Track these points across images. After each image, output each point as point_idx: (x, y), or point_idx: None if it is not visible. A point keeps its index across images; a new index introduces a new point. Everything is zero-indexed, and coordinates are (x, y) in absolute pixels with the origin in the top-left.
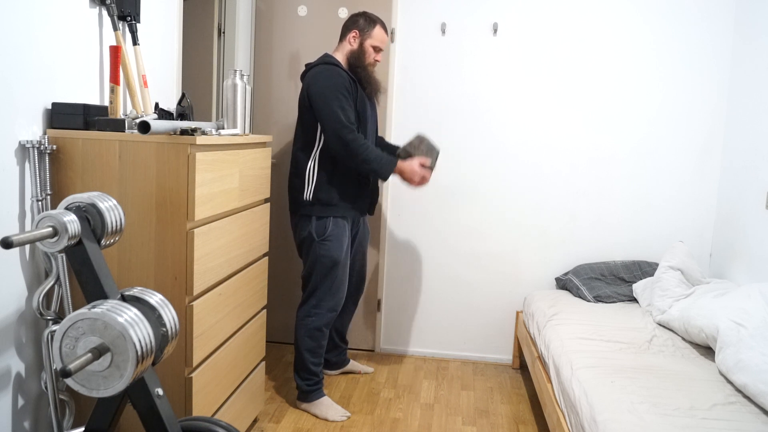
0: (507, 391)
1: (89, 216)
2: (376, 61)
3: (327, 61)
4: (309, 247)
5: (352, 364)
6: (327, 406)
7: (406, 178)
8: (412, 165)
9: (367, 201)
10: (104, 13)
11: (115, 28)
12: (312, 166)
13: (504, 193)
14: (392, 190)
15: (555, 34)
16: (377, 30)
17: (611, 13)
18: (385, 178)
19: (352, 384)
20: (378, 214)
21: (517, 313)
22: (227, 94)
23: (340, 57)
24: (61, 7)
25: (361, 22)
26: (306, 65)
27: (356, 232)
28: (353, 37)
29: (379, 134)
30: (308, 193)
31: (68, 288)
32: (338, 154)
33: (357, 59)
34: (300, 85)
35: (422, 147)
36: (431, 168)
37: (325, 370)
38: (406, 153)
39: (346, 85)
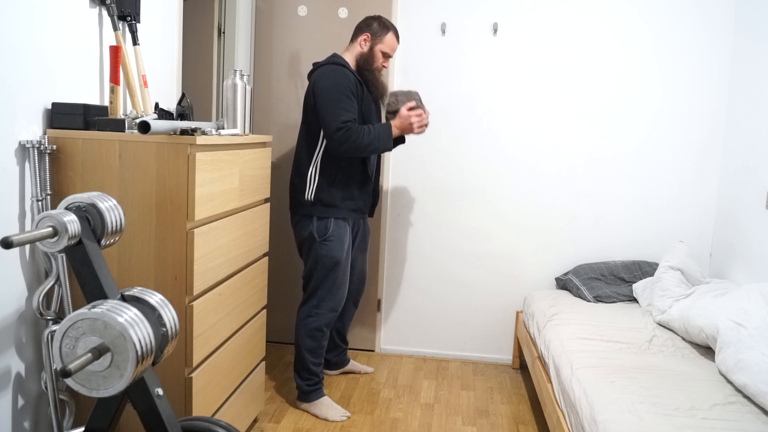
0: (507, 391)
1: (89, 216)
2: (384, 66)
3: (335, 61)
4: (310, 247)
5: (352, 364)
6: (327, 406)
7: (406, 130)
8: (402, 114)
9: (369, 202)
10: (104, 13)
11: (115, 28)
12: (314, 167)
13: (504, 193)
14: (392, 190)
15: (555, 35)
16: (389, 36)
17: (611, 14)
18: (391, 148)
19: (352, 384)
20: (378, 214)
21: (517, 313)
22: (227, 94)
23: (349, 58)
24: (61, 7)
25: (375, 27)
26: (314, 64)
27: (357, 232)
28: (364, 39)
29: None
30: (309, 193)
31: (68, 288)
32: (340, 153)
33: (365, 62)
34: (305, 84)
35: (400, 98)
36: (420, 108)
37: (325, 370)
38: (391, 113)
39: (351, 87)
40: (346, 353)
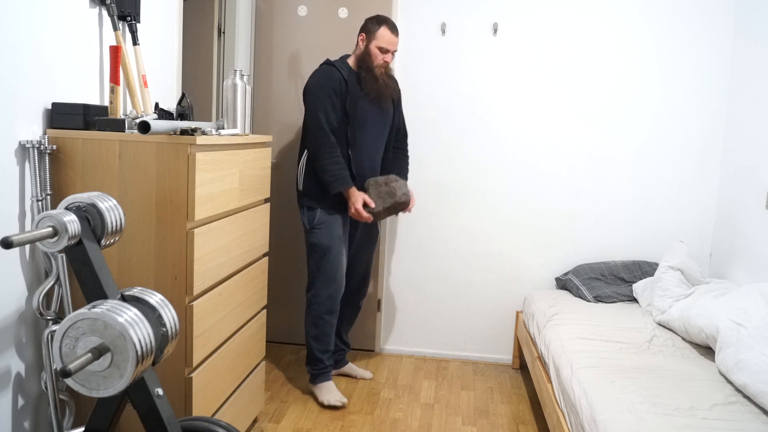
0: (507, 391)
1: (89, 216)
2: (386, 62)
3: (327, 61)
4: (305, 235)
5: (350, 367)
6: (327, 390)
7: (349, 206)
8: (356, 197)
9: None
10: (104, 13)
11: (115, 28)
12: (304, 160)
13: (504, 193)
14: None
15: (555, 35)
16: (382, 31)
17: (611, 14)
18: (331, 193)
19: (352, 384)
20: None
21: (517, 313)
22: (227, 94)
23: (352, 60)
24: (61, 7)
25: (368, 25)
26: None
27: (358, 228)
28: (361, 40)
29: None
30: (300, 184)
31: (68, 288)
32: (309, 151)
33: (363, 62)
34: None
35: (383, 188)
36: (376, 213)
37: None
38: (368, 184)
39: (335, 86)
40: (345, 355)
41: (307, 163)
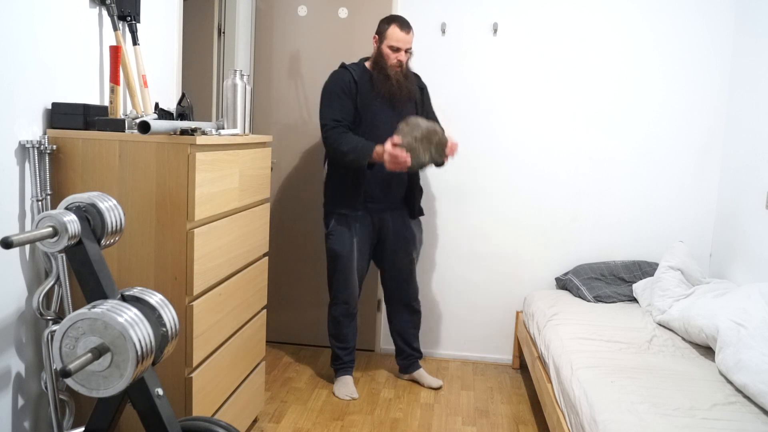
0: (507, 391)
1: (89, 216)
2: (399, 61)
3: (342, 65)
4: (324, 240)
5: (420, 374)
6: (341, 384)
7: (380, 160)
8: (385, 146)
9: (361, 200)
10: (104, 13)
11: (115, 28)
12: (326, 165)
13: (504, 193)
14: None
15: (555, 34)
16: (391, 30)
17: (612, 13)
18: (365, 166)
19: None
20: None
21: (517, 313)
22: (227, 94)
23: (369, 62)
24: (61, 7)
25: (380, 26)
26: None
27: (388, 236)
28: (374, 41)
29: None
30: (324, 188)
31: (68, 288)
32: (327, 150)
33: (377, 63)
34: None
35: (406, 129)
36: (412, 148)
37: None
38: (396, 131)
39: (343, 87)
40: (416, 361)
41: (329, 168)
